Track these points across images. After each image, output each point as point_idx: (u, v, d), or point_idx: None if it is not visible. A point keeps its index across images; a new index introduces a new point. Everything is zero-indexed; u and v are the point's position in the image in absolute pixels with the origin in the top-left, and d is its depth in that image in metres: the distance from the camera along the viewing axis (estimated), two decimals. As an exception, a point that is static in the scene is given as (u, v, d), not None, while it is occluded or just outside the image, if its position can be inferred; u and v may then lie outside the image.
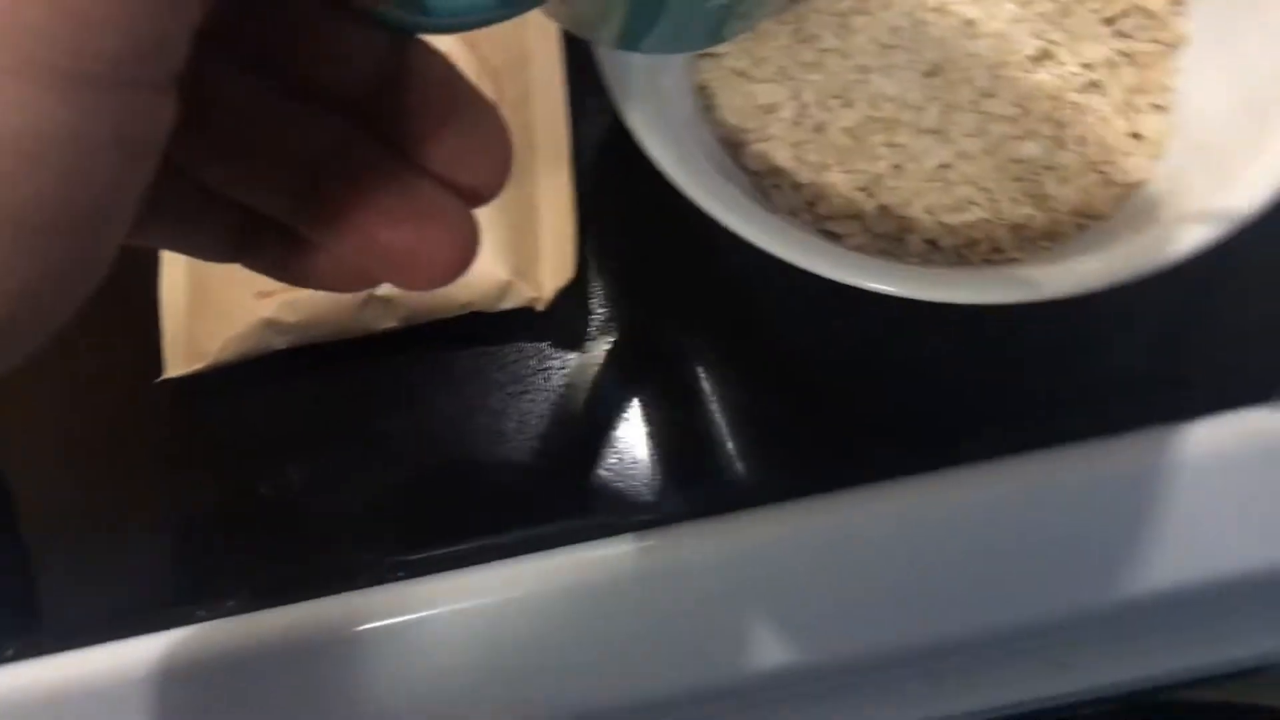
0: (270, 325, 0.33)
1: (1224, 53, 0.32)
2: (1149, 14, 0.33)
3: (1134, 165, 0.32)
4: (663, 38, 0.20)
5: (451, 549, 0.32)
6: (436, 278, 0.17)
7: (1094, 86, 0.33)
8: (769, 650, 0.31)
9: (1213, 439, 0.31)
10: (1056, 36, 0.33)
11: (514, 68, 0.36)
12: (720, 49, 0.34)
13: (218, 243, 0.19)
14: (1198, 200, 0.29)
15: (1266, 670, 0.55)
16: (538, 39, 0.36)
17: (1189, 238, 0.27)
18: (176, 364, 0.34)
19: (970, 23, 0.32)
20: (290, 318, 0.33)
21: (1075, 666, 0.35)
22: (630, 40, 0.20)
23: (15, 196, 0.11)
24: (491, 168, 0.18)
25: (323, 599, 0.32)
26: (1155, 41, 0.33)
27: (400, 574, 0.32)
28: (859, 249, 0.32)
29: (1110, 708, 0.54)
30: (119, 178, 0.12)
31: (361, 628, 0.31)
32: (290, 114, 0.17)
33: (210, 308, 0.34)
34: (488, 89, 0.35)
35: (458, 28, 0.16)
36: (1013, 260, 0.31)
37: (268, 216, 0.18)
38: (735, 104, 0.33)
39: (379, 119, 0.17)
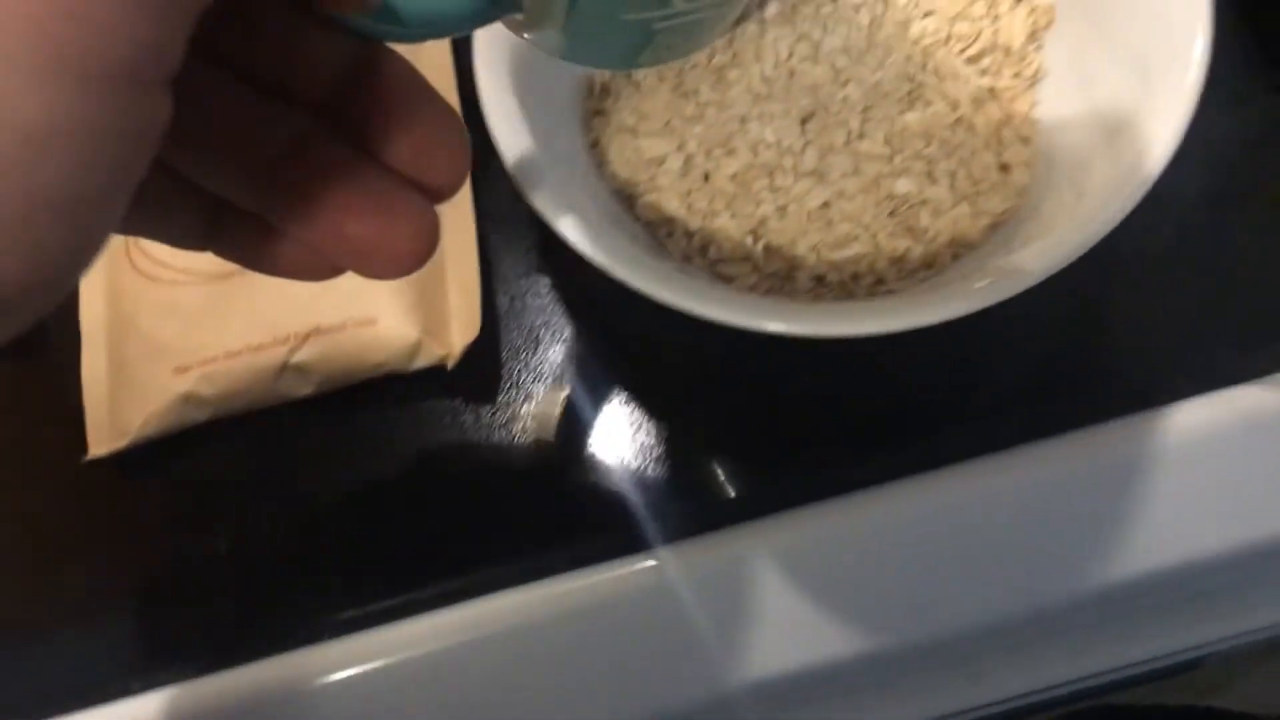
0: (188, 400, 0.34)
1: (1078, 82, 0.34)
2: (1009, 51, 0.35)
3: (1002, 195, 0.33)
4: (586, 50, 0.21)
5: (380, 604, 0.33)
6: (401, 267, 0.19)
7: (961, 123, 0.34)
8: (691, 689, 0.32)
9: (1112, 441, 0.33)
10: (923, 78, 0.35)
11: (415, 136, 0.37)
12: (607, 106, 0.35)
13: (188, 229, 0.20)
14: (1059, 222, 0.30)
15: (1203, 661, 0.56)
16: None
17: (1048, 259, 0.29)
18: (100, 443, 0.35)
19: (839, 70, 0.34)
20: (208, 391, 0.34)
21: (990, 673, 0.36)
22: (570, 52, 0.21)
23: (32, 180, 0.12)
24: (452, 165, 0.19)
25: (258, 662, 0.33)
26: (1017, 76, 0.35)
27: (325, 634, 0.33)
28: (751, 289, 0.33)
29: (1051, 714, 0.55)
30: (121, 167, 0.14)
31: (295, 687, 0.32)
32: (259, 109, 0.18)
33: (130, 386, 0.34)
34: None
35: (425, 37, 0.18)
36: (892, 291, 0.33)
37: (237, 206, 0.19)
38: (625, 158, 0.34)
39: (346, 116, 0.18)
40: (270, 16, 0.17)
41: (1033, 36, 0.35)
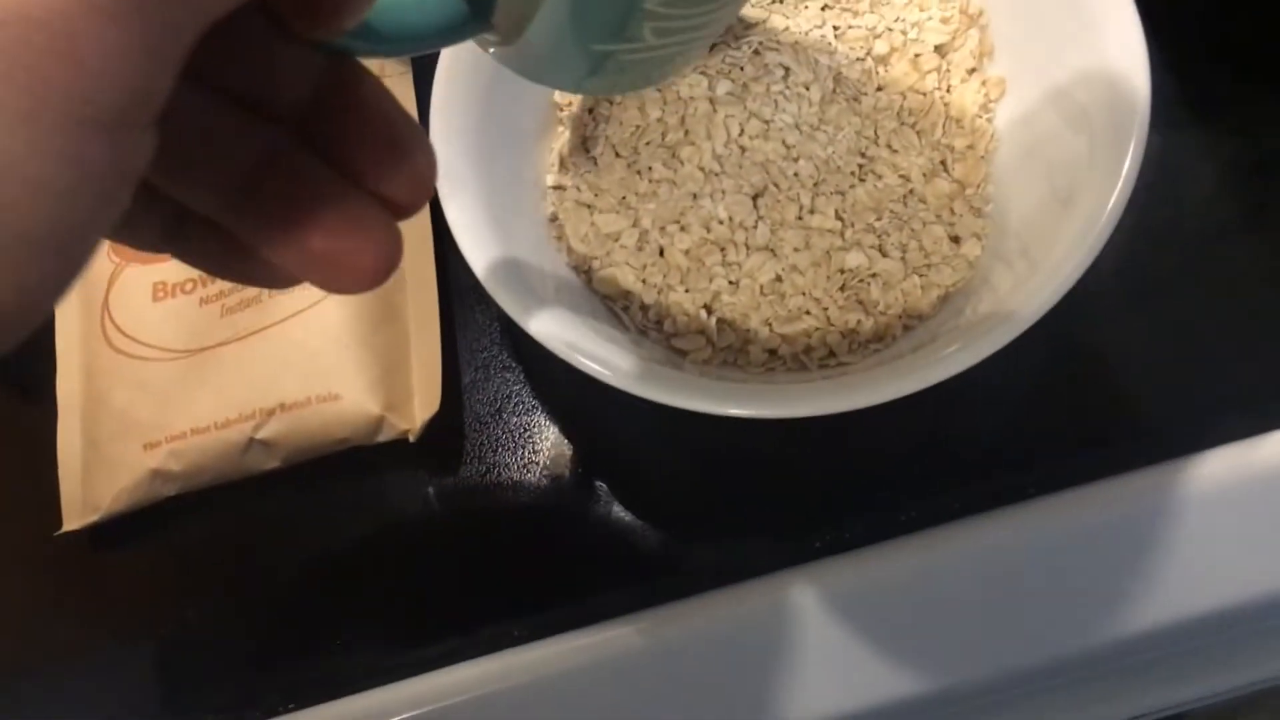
0: (157, 475, 0.35)
1: (1030, 150, 0.34)
2: (959, 122, 0.36)
3: (953, 267, 0.34)
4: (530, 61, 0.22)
5: (343, 673, 0.34)
6: (363, 283, 0.19)
7: (913, 195, 0.35)
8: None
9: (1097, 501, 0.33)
10: (875, 151, 0.35)
11: (382, 211, 0.38)
12: (566, 182, 0.36)
13: (149, 232, 0.20)
14: (1011, 291, 0.31)
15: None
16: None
17: (996, 337, 0.29)
18: (73, 518, 0.35)
19: (790, 146, 0.35)
20: (176, 466, 0.35)
21: None
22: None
23: (15, 218, 0.13)
24: (417, 184, 0.19)
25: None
26: (969, 148, 0.36)
27: (292, 703, 0.33)
28: (705, 363, 0.34)
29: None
30: (104, 203, 0.14)
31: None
32: (229, 122, 0.18)
33: (102, 462, 0.35)
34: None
35: (398, 53, 0.19)
36: (843, 364, 0.33)
37: (200, 213, 0.19)
38: (582, 233, 0.35)
39: (314, 132, 0.19)
40: (244, 32, 0.17)
41: (985, 107, 0.36)
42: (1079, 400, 0.34)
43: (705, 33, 0.22)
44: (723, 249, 0.34)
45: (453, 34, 0.19)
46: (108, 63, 0.13)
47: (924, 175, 0.35)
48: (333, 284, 0.19)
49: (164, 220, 0.19)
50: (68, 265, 0.14)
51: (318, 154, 0.19)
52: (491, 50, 0.22)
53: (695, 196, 0.35)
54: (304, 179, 0.18)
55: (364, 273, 0.18)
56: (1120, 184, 0.29)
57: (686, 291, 0.34)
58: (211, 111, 0.18)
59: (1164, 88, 0.37)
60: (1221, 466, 0.33)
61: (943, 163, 0.35)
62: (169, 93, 0.14)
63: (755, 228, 0.34)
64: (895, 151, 0.35)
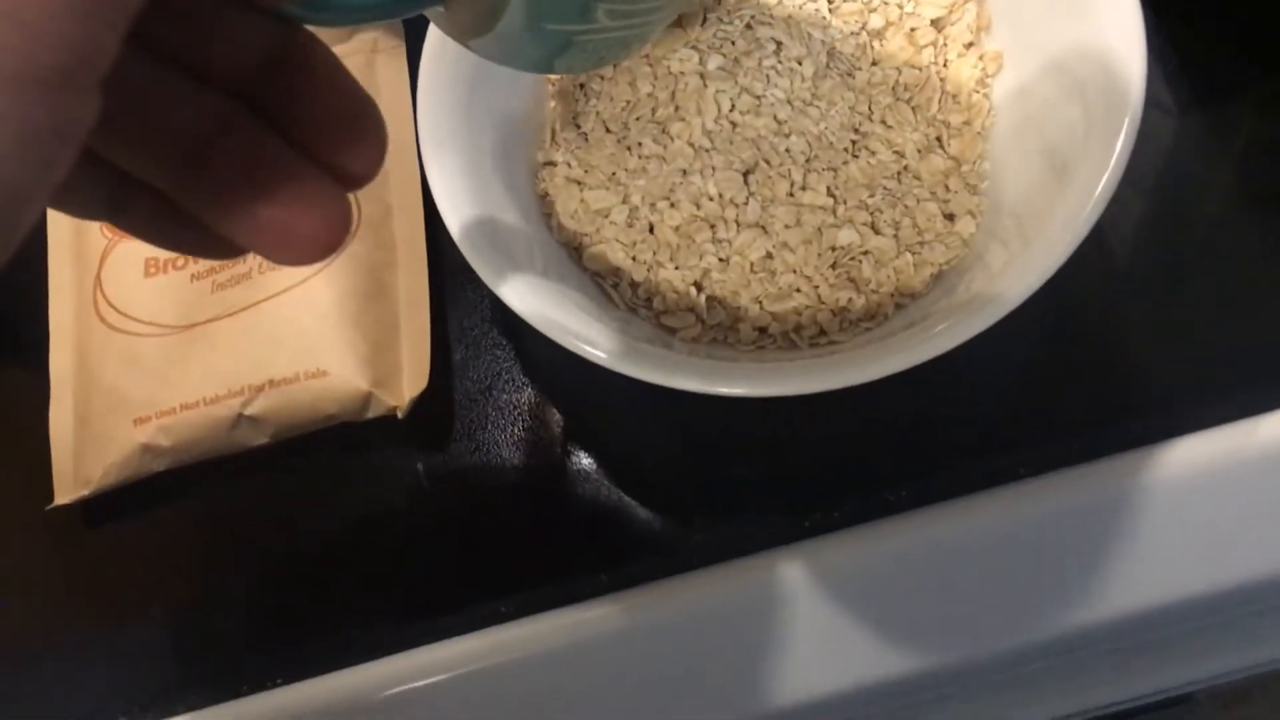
0: (147, 450, 0.35)
1: (1025, 125, 0.34)
2: (956, 98, 0.35)
3: (946, 245, 0.33)
4: (499, 45, 0.21)
5: (330, 647, 0.34)
6: (311, 254, 0.18)
7: (906, 172, 0.34)
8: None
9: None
10: (868, 127, 0.35)
11: (372, 186, 0.38)
12: (556, 158, 0.36)
13: (91, 201, 0.19)
14: (1000, 273, 0.30)
15: (1194, 697, 0.56)
16: (394, 158, 0.38)
17: (986, 315, 0.29)
18: (64, 492, 0.36)
19: (782, 122, 0.34)
20: (165, 441, 0.35)
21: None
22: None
23: None
24: (368, 155, 0.19)
25: (214, 707, 0.34)
26: (966, 123, 0.35)
27: (279, 679, 0.34)
28: (694, 340, 0.34)
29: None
30: (48, 164, 0.14)
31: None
32: (175, 90, 0.18)
33: (93, 437, 0.35)
34: (348, 209, 0.37)
35: (349, 22, 0.18)
36: (834, 343, 0.33)
37: (144, 181, 0.19)
38: (571, 209, 0.35)
39: (264, 101, 0.19)
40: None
41: (982, 82, 0.35)
42: (1072, 381, 0.34)
43: (661, 14, 0.21)
44: (713, 226, 0.34)
45: (404, 5, 0.19)
46: (50, 23, 0.13)
47: (918, 151, 0.35)
48: (280, 255, 0.18)
49: (108, 188, 0.19)
50: (6, 230, 0.14)
51: (268, 125, 0.18)
52: (444, 28, 0.22)
53: (685, 173, 0.34)
54: (252, 149, 0.18)
55: (311, 245, 0.18)
56: (1114, 159, 0.29)
57: (676, 269, 0.34)
58: (158, 78, 0.18)
59: (1175, 70, 0.37)
60: (1214, 448, 0.32)
61: (938, 139, 0.35)
62: (114, 55, 0.14)
63: (746, 204, 0.34)
64: (889, 127, 0.35)
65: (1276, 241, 0.35)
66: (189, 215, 0.19)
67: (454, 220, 0.31)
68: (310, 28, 0.19)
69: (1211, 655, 0.43)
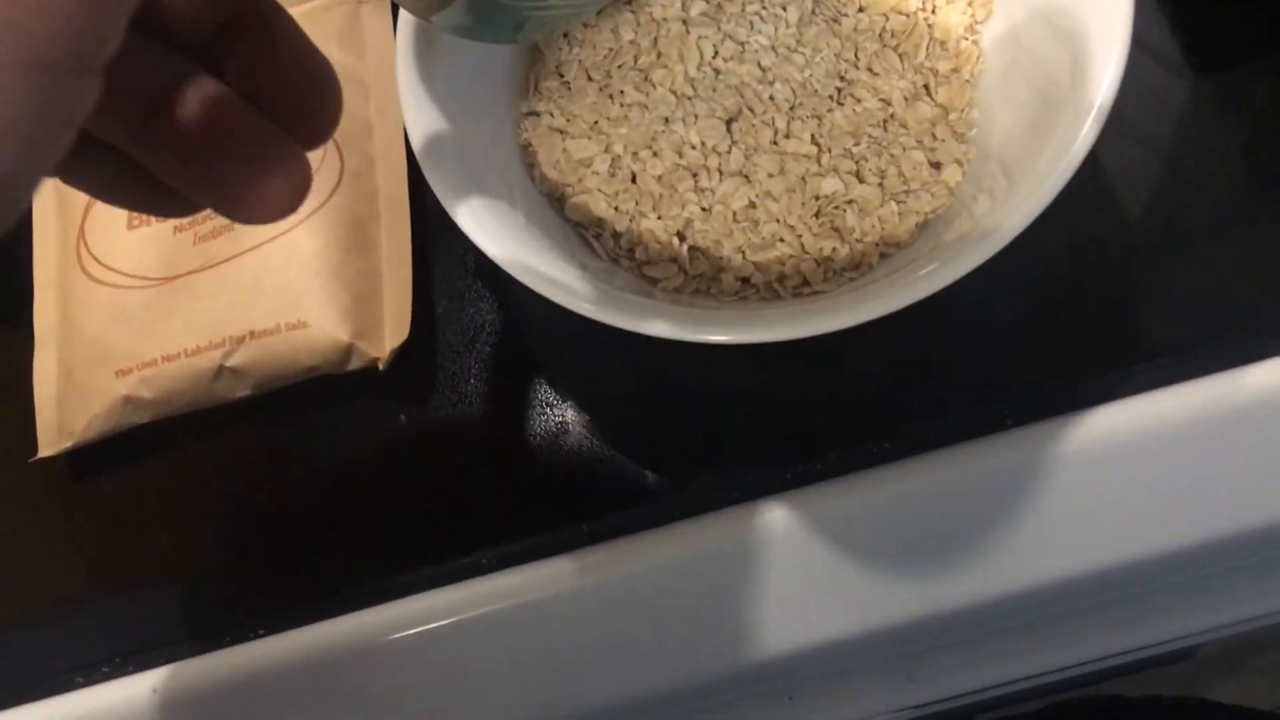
0: (129, 402, 0.35)
1: (1013, 70, 0.33)
2: (944, 44, 0.34)
3: (932, 194, 0.33)
4: (460, 21, 0.21)
5: (313, 601, 0.34)
6: (268, 212, 0.19)
7: (893, 120, 0.34)
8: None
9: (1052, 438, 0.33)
10: (854, 75, 0.34)
11: (355, 138, 0.37)
12: (539, 107, 0.35)
13: None
14: (984, 218, 0.30)
15: (1197, 651, 0.55)
16: (379, 110, 0.38)
17: (968, 259, 0.28)
18: (48, 444, 0.36)
19: (766, 69, 0.34)
20: (147, 393, 0.35)
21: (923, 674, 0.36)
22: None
23: None
24: (324, 115, 0.19)
25: (201, 656, 0.34)
26: (954, 71, 0.34)
27: (260, 630, 0.34)
28: (676, 291, 0.33)
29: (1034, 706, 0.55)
30: (54, 143, 0.15)
31: (232, 682, 0.33)
32: (131, 44, 0.18)
33: (76, 389, 0.35)
34: (330, 158, 0.37)
35: None
36: (818, 293, 0.32)
37: (95, 137, 0.19)
38: (554, 159, 0.34)
39: (223, 62, 0.19)
40: None
41: (971, 29, 0.35)
42: (1058, 332, 0.33)
43: None
44: (695, 174, 0.33)
45: None
46: (62, 7, 0.13)
47: (905, 99, 0.34)
48: (239, 213, 0.19)
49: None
50: (7, 206, 0.14)
51: (228, 83, 0.19)
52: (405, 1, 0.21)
53: (668, 121, 0.34)
54: (211, 108, 0.18)
55: (269, 203, 0.18)
56: (1099, 101, 0.28)
57: (659, 218, 0.34)
58: None
59: (1189, 32, 0.36)
60: (1201, 399, 0.32)
61: (925, 86, 0.34)
62: (120, 39, 0.15)
63: (729, 153, 0.33)
64: (876, 75, 0.34)
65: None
66: (147, 174, 0.19)
67: (433, 169, 0.31)
68: None
69: (1208, 610, 0.43)
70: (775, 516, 0.33)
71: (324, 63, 0.19)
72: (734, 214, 0.33)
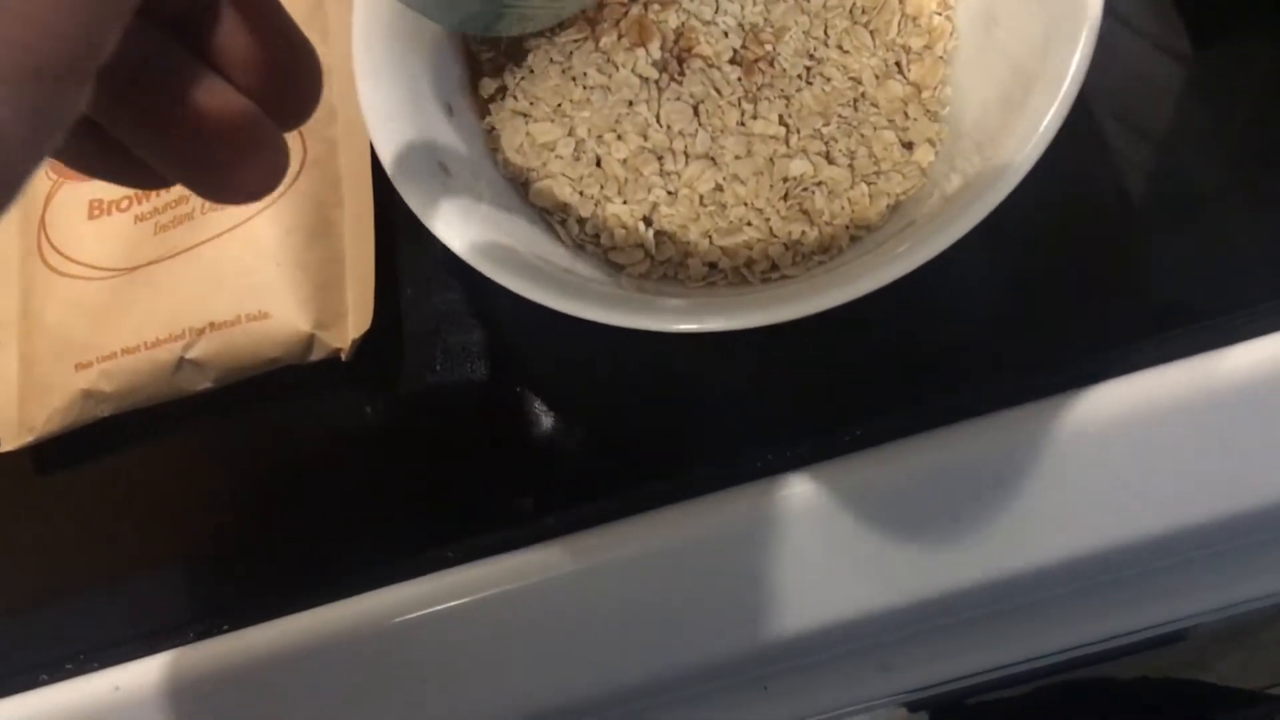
0: (89, 395, 0.34)
1: (987, 45, 0.33)
2: (916, 20, 0.34)
3: (903, 174, 0.32)
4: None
5: (278, 596, 0.34)
6: (244, 193, 0.18)
7: (864, 99, 0.33)
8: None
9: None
10: (824, 53, 0.33)
11: (318, 123, 0.37)
12: (500, 90, 0.34)
13: None
14: (955, 199, 0.29)
15: (1187, 634, 0.55)
16: (341, 96, 0.37)
17: (940, 240, 0.28)
18: (9, 438, 0.35)
19: (734, 50, 0.33)
20: (107, 387, 0.34)
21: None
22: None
23: None
24: (304, 94, 0.19)
25: (170, 650, 0.34)
26: (926, 47, 0.34)
27: (225, 626, 0.33)
28: (642, 276, 0.33)
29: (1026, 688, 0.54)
30: (45, 144, 0.14)
31: (201, 676, 0.33)
32: None
33: (36, 384, 0.35)
34: (292, 144, 0.36)
35: None
36: (786, 278, 0.32)
37: None
38: (517, 143, 0.34)
39: (200, 36, 0.18)
40: None
41: (944, 3, 0.34)
42: (1030, 318, 0.33)
43: None
44: (660, 158, 0.33)
45: None
46: (64, 18, 0.13)
47: (876, 77, 0.33)
48: (212, 192, 0.18)
49: None
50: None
51: (205, 61, 0.18)
52: None
53: (631, 104, 0.33)
54: (188, 84, 0.18)
55: (245, 183, 0.18)
56: (1070, 75, 0.27)
57: (624, 203, 0.33)
58: None
59: (1192, 6, 0.35)
60: (1190, 378, 0.31)
61: (897, 64, 0.34)
62: (115, 45, 0.15)
63: (695, 135, 0.33)
64: (846, 52, 0.33)
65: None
66: (117, 145, 0.19)
67: (391, 158, 0.30)
68: None
69: (1193, 592, 0.42)
70: (746, 506, 0.32)
71: (305, 41, 0.19)
72: (700, 197, 0.32)
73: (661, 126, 0.33)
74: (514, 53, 0.34)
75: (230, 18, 0.18)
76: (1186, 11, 0.36)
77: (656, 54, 0.33)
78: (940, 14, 0.34)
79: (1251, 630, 0.70)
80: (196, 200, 0.36)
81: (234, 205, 0.18)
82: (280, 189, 0.35)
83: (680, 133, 0.33)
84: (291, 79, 0.19)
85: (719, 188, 0.32)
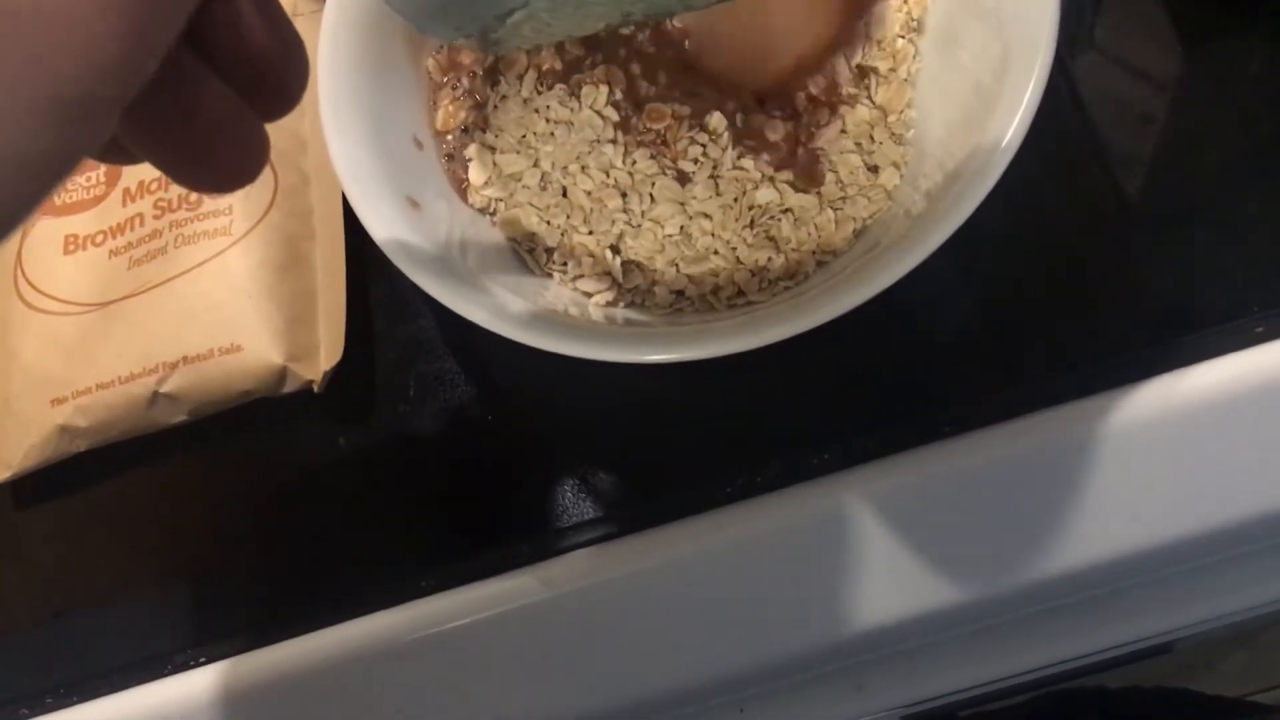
0: (65, 431, 0.34)
1: (952, 66, 0.33)
2: (880, 44, 0.34)
3: (869, 198, 0.32)
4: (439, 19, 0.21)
5: (255, 626, 0.34)
6: (223, 181, 0.19)
7: (827, 118, 0.33)
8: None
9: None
10: (788, 78, 0.33)
11: (290, 155, 0.37)
12: (466, 121, 0.35)
13: None
14: (917, 223, 0.29)
15: (1175, 646, 0.55)
16: (314, 128, 0.37)
17: (905, 263, 0.28)
18: (-14, 475, 0.35)
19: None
20: (83, 422, 0.34)
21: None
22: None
23: (5, 198, 0.14)
24: (291, 88, 0.19)
25: (149, 685, 0.34)
26: (892, 70, 0.34)
27: (202, 659, 0.33)
28: (609, 305, 0.33)
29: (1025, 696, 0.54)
30: (59, 176, 0.15)
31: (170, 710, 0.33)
32: None
33: (13, 419, 0.35)
34: (264, 177, 0.37)
35: None
36: (753, 303, 0.32)
37: None
38: (485, 175, 0.34)
39: (191, 28, 0.18)
40: None
41: (907, 26, 0.34)
42: (995, 340, 0.33)
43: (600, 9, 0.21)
44: (624, 194, 0.33)
45: None
46: (106, 54, 0.14)
47: (844, 102, 0.33)
48: (191, 180, 0.18)
49: None
50: (9, 223, 0.14)
51: (189, 46, 0.18)
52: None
53: (596, 141, 0.33)
54: (172, 70, 0.17)
55: (225, 172, 0.18)
56: (1026, 98, 0.27)
57: (590, 233, 0.33)
58: None
59: (1178, 11, 0.35)
60: (1179, 390, 0.31)
61: (866, 89, 0.34)
62: (147, 81, 0.15)
63: (661, 175, 0.33)
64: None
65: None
66: None
67: (355, 190, 0.30)
68: None
69: (1177, 608, 0.42)
70: (715, 532, 0.32)
71: (294, 33, 0.19)
72: (665, 234, 0.33)
73: (624, 166, 0.33)
74: (478, 86, 0.35)
75: (221, 8, 0.18)
76: (1177, 14, 0.36)
77: (621, 96, 0.33)
78: (904, 37, 0.34)
79: (1253, 633, 0.69)
80: (170, 234, 0.36)
81: (211, 194, 0.18)
82: (251, 222, 0.36)
83: (646, 175, 0.33)
84: (279, 70, 0.19)
85: (684, 227, 0.32)
